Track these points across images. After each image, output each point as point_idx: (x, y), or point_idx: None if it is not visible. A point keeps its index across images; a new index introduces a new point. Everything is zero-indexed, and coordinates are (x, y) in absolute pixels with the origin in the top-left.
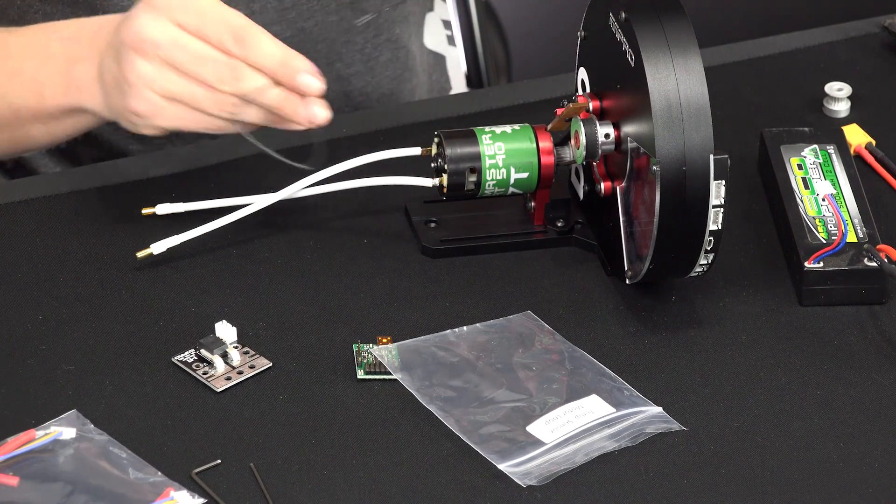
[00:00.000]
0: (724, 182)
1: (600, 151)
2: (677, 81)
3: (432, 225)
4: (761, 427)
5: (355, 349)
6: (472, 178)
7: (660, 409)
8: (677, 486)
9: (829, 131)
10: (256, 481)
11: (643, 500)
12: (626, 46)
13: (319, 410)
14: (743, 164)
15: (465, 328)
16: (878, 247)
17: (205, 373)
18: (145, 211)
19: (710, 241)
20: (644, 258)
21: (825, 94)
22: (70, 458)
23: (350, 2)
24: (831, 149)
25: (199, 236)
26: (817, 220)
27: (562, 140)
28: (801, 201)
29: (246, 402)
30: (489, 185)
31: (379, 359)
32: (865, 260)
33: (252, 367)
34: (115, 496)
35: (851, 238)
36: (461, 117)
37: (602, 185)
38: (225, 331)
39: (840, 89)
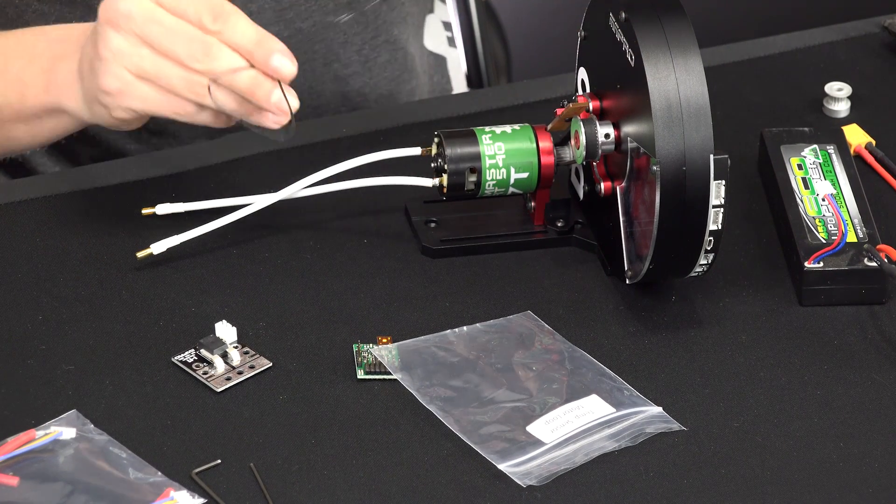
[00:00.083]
0: (724, 182)
1: (600, 151)
2: (677, 81)
3: (432, 225)
4: (761, 427)
5: (355, 349)
6: (472, 178)
7: (660, 409)
8: (677, 486)
9: (829, 131)
10: (256, 481)
11: (643, 500)
12: (626, 46)
13: (319, 410)
14: (743, 164)
15: (465, 328)
16: (878, 247)
17: (205, 373)
18: (145, 211)
19: (710, 241)
20: (644, 258)
21: (825, 94)
22: (70, 458)
23: (348, 2)
24: (831, 149)
25: (199, 236)
26: (817, 220)
27: (562, 140)
28: (801, 201)
29: (246, 402)
30: (489, 185)
31: (379, 359)
32: (865, 260)
33: (252, 367)
34: (115, 496)
35: (851, 238)
36: (461, 117)
37: (602, 185)
38: (225, 331)
39: (840, 89)
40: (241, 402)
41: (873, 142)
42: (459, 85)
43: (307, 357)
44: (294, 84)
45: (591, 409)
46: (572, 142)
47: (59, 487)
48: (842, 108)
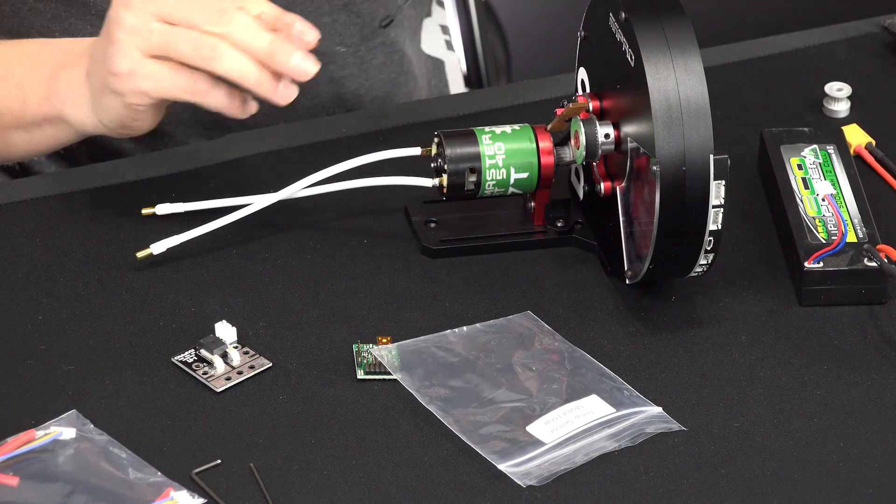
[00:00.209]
0: (724, 182)
1: (600, 151)
2: (677, 81)
3: (432, 225)
4: (761, 427)
5: (355, 349)
6: (472, 178)
7: (660, 409)
8: (677, 486)
9: (828, 131)
10: (256, 481)
11: (643, 500)
12: (626, 46)
13: (319, 410)
14: (743, 164)
15: (465, 328)
16: (877, 247)
17: (205, 373)
18: (145, 211)
19: (710, 241)
20: (644, 258)
21: (825, 94)
22: (70, 458)
23: (344, 4)
24: (831, 149)
25: (199, 236)
26: (817, 220)
27: (562, 140)
28: (801, 201)
29: (246, 402)
30: (489, 185)
31: (379, 359)
32: (865, 260)
33: (252, 367)
34: (115, 496)
35: (851, 238)
36: (461, 117)
37: (602, 185)
38: (225, 331)
39: (840, 89)
40: (241, 402)
41: (873, 142)
42: (457, 88)
43: (307, 357)
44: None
45: (591, 409)
46: (572, 142)
47: (59, 487)
48: (842, 108)
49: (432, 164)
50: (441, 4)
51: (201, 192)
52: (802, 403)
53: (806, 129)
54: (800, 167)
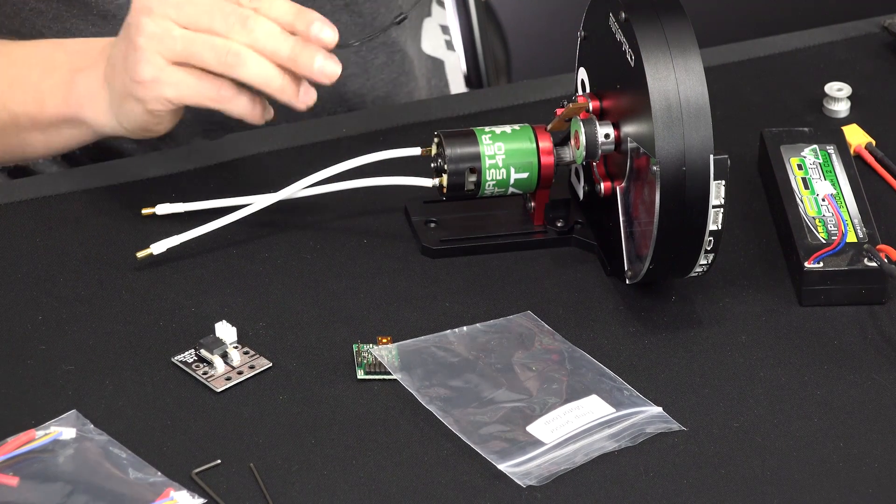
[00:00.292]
0: (724, 182)
1: (600, 151)
2: (677, 81)
3: (432, 225)
4: (761, 427)
5: (355, 349)
6: (472, 179)
7: (660, 409)
8: (677, 486)
9: (828, 131)
10: (256, 481)
11: (643, 500)
12: (626, 46)
13: (319, 410)
14: (743, 164)
15: (465, 328)
16: (878, 247)
17: (205, 373)
18: (145, 211)
19: (710, 241)
20: (644, 258)
21: (825, 94)
22: (70, 458)
23: (346, 4)
24: (831, 149)
25: (199, 236)
26: (817, 221)
27: (562, 140)
28: (801, 201)
29: (246, 402)
30: (489, 186)
31: (379, 359)
32: (865, 260)
33: (252, 367)
34: (115, 496)
35: (851, 238)
36: (461, 117)
37: (602, 185)
38: (225, 331)
39: (840, 89)
40: (241, 402)
41: (873, 142)
42: (458, 88)
43: (307, 357)
44: None
45: (591, 409)
46: (572, 142)
47: (59, 487)
48: (842, 108)
49: (432, 164)
50: (441, 4)
51: (201, 192)
52: (802, 403)
53: (806, 129)
54: (800, 167)
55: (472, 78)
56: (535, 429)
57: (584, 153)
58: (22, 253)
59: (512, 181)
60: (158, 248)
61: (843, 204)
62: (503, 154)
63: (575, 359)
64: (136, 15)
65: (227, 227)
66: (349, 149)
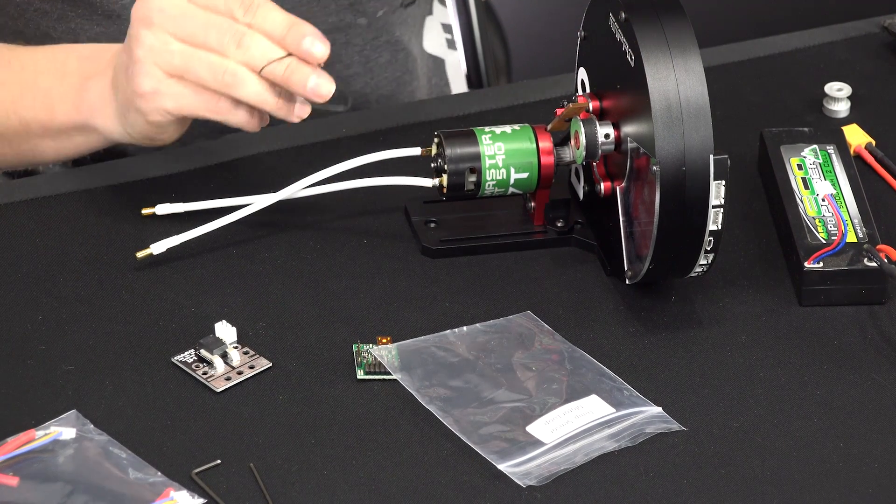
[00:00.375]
0: (724, 182)
1: (600, 151)
2: (677, 81)
3: (432, 225)
4: (761, 427)
5: (355, 349)
6: (472, 179)
7: (659, 409)
8: (677, 486)
9: (828, 131)
10: (256, 481)
11: (643, 500)
12: (626, 46)
13: (319, 410)
14: (743, 164)
15: (464, 328)
16: (877, 247)
17: (205, 373)
18: (145, 211)
19: (710, 241)
20: (644, 258)
21: (825, 94)
22: (70, 458)
23: (350, 4)
24: (831, 149)
25: (199, 236)
26: (817, 221)
27: (562, 140)
28: (801, 201)
29: (246, 402)
30: (489, 186)
31: (379, 359)
32: (865, 260)
33: (252, 367)
34: (115, 496)
35: (851, 238)
36: (461, 117)
37: (602, 185)
38: (225, 331)
39: (840, 89)
40: (240, 402)
41: (873, 142)
42: (458, 87)
43: (307, 357)
44: None
45: (591, 409)
46: (572, 142)
47: (59, 487)
48: (842, 108)
49: (432, 164)
50: (443, 2)
51: (201, 192)
52: (802, 403)
53: (806, 129)
54: (800, 167)
55: (472, 78)
56: (535, 429)
57: (584, 153)
58: (22, 253)
59: (512, 181)
60: (158, 248)
61: (843, 204)
62: (503, 154)
63: (575, 359)
64: (137, 27)
65: (227, 227)
66: (349, 149)
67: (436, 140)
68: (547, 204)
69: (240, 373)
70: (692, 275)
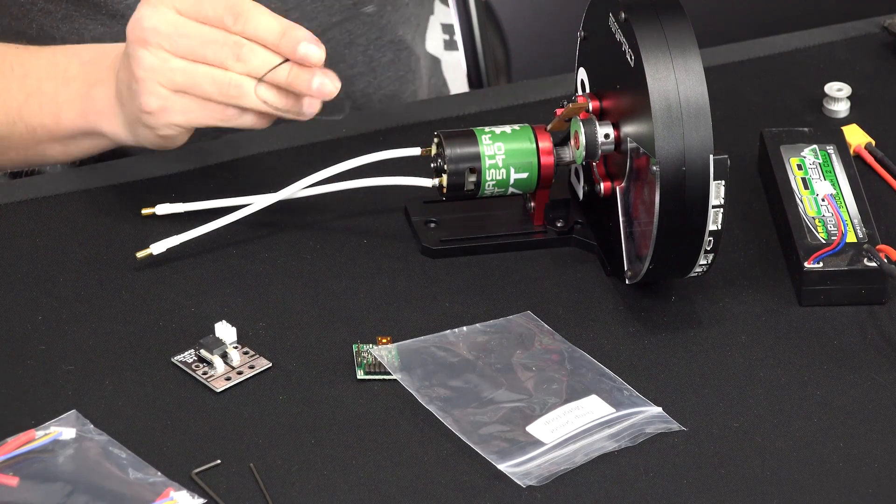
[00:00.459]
0: (723, 182)
1: (600, 152)
2: (677, 81)
3: (432, 225)
4: (761, 427)
5: (355, 349)
6: (472, 179)
7: (659, 409)
8: (677, 486)
9: (828, 131)
10: (256, 481)
11: (643, 500)
12: (625, 46)
13: (319, 410)
14: (743, 164)
15: (464, 328)
16: (877, 247)
17: (204, 373)
18: (145, 211)
19: (710, 241)
20: (644, 258)
21: (825, 94)
22: (70, 458)
23: (353, 3)
24: (831, 149)
25: (199, 236)
26: (817, 221)
27: (562, 140)
28: (801, 201)
29: (246, 402)
30: (489, 186)
31: (379, 359)
32: (865, 260)
33: (252, 367)
34: (115, 496)
35: (851, 238)
36: (461, 117)
37: (602, 185)
38: (225, 331)
39: (840, 89)
40: (240, 403)
41: (873, 142)
42: (456, 87)
43: (307, 357)
44: None
45: (591, 409)
46: (572, 142)
47: (59, 487)
48: (841, 108)
49: (432, 164)
50: (444, 2)
51: (201, 192)
52: (802, 403)
53: (806, 129)
54: (800, 167)
55: (472, 78)
56: (534, 429)
57: (583, 153)
58: (22, 253)
59: (512, 181)
60: (158, 248)
61: (843, 204)
62: (503, 154)
63: (575, 359)
64: (134, 46)
65: (227, 227)
66: (349, 149)
67: (436, 140)
68: (547, 204)
69: (240, 373)
70: (692, 275)
